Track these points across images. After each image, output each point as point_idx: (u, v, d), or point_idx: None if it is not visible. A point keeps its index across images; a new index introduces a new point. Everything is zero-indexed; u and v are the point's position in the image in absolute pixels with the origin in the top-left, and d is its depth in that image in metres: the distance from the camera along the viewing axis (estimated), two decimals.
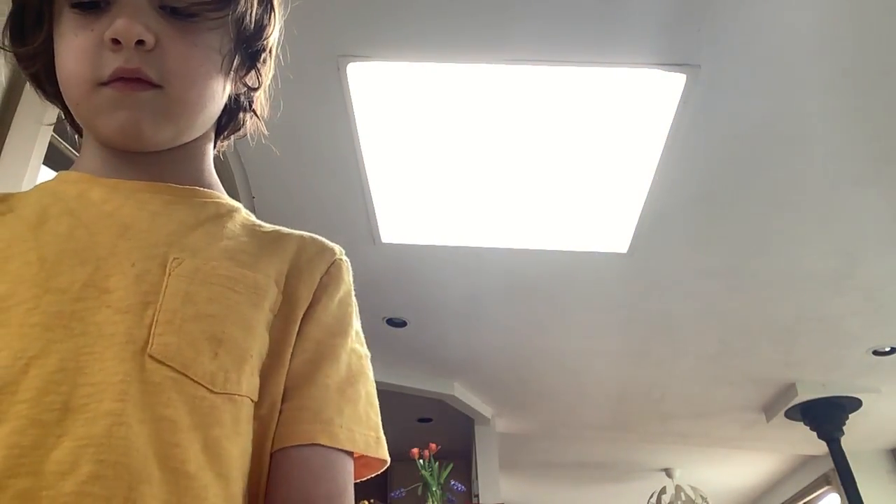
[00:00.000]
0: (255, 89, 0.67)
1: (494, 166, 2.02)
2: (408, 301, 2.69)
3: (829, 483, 4.00)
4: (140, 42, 0.54)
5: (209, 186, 0.63)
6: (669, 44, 1.62)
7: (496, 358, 3.14)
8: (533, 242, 2.33)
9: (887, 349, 2.90)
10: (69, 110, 0.62)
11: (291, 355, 0.55)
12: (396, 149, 1.97)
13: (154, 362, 0.46)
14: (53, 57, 0.58)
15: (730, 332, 2.85)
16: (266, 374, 0.53)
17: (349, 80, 1.72)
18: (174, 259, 0.52)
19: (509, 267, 2.46)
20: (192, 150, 0.63)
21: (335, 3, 1.54)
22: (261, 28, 0.62)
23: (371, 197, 2.13)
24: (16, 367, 0.44)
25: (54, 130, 1.27)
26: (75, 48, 0.55)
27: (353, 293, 0.63)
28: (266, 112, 0.72)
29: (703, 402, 3.48)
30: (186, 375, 0.47)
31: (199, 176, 0.63)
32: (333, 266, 0.61)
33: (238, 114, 0.68)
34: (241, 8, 0.58)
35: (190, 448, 0.45)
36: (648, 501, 4.40)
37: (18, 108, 1.16)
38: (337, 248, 0.63)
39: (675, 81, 1.70)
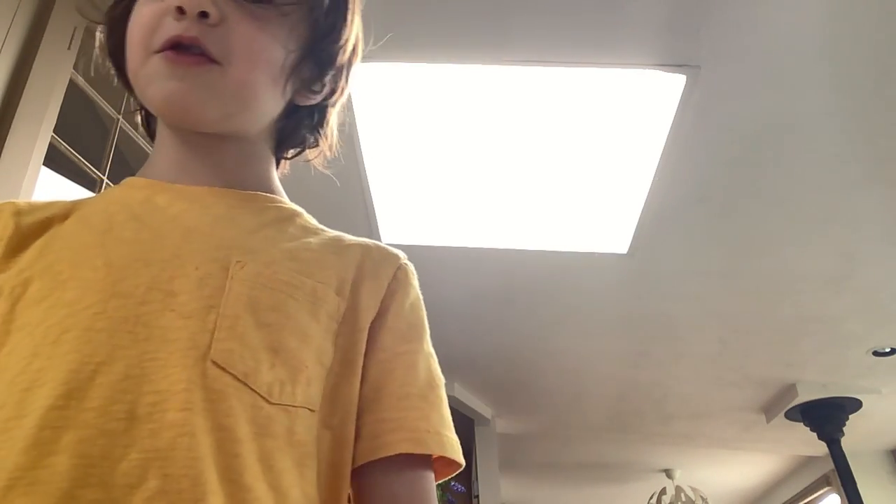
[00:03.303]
0: (322, 102, 0.66)
1: (495, 167, 2.02)
2: None
3: (829, 484, 3.99)
4: (204, 15, 0.53)
5: (271, 192, 0.64)
6: (669, 45, 1.62)
7: (496, 358, 3.14)
8: (533, 243, 2.32)
9: (887, 350, 2.90)
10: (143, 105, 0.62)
11: (365, 366, 0.54)
12: (397, 149, 1.97)
13: (216, 368, 0.46)
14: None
15: (730, 332, 2.85)
16: (336, 383, 0.52)
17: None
18: (236, 262, 0.51)
19: (509, 267, 2.46)
20: (256, 152, 0.63)
21: None
22: (332, 29, 0.61)
23: (371, 197, 2.13)
24: (84, 373, 0.44)
25: (54, 130, 1.27)
26: (142, 15, 0.56)
27: (421, 297, 0.63)
28: (333, 140, 0.70)
29: (703, 403, 3.48)
30: (246, 384, 0.46)
31: (263, 181, 0.64)
32: (400, 271, 0.61)
33: (302, 125, 0.68)
34: (314, 1, 0.57)
35: (248, 459, 0.45)
36: (648, 502, 4.40)
37: (18, 108, 1.16)
38: (401, 253, 0.64)
39: (675, 82, 1.70)
